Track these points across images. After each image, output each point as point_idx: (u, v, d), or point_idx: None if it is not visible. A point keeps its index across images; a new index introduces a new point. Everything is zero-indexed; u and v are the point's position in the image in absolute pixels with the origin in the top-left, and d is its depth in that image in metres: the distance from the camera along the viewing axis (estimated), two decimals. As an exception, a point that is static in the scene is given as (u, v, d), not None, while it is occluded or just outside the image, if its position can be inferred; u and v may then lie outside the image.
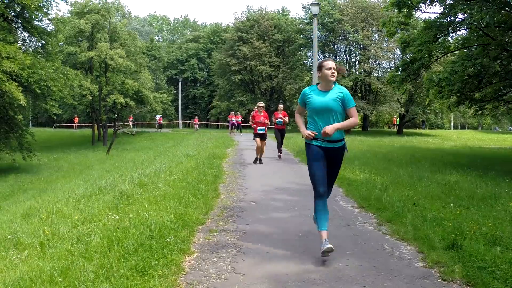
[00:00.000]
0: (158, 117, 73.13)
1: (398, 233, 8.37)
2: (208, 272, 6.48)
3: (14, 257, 7.57)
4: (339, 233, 8.62)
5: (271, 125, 23.69)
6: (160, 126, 73.41)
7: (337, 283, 6.14)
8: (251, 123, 21.50)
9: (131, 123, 71.65)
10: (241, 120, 56.42)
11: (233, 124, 52.78)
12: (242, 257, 7.14)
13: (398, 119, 76.01)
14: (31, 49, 35.09)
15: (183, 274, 6.36)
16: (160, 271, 6.23)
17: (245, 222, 9.38)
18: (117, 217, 9.08)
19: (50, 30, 35.03)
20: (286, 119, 22.81)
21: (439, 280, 6.22)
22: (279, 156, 23.00)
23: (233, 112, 55.89)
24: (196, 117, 75.50)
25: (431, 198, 11.22)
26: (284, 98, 71.62)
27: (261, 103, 21.69)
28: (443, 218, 9.01)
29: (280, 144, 23.23)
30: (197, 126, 70.15)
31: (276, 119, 22.66)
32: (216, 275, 6.36)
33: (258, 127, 20.85)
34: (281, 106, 23.48)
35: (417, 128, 79.42)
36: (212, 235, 8.32)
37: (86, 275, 6.00)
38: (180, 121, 79.41)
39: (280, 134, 23.11)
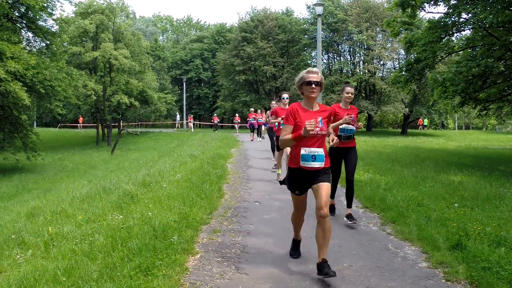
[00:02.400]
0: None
1: (402, 233, 8.36)
2: (211, 272, 6.49)
3: (18, 256, 7.59)
4: (343, 233, 8.62)
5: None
6: (216, 126, 66.23)
7: (340, 283, 6.14)
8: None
9: (191, 125, 69.78)
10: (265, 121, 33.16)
11: (251, 124, 37.60)
12: (246, 257, 7.17)
13: (426, 120, 76.44)
14: (35, 49, 35.12)
15: (186, 274, 6.37)
16: (164, 271, 6.24)
17: (249, 222, 9.40)
18: (121, 217, 9.10)
19: (54, 30, 35.07)
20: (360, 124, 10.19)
21: (443, 281, 6.22)
22: (332, 210, 10.24)
23: (252, 109, 39.99)
24: (237, 114, 56.24)
25: (436, 199, 11.19)
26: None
27: (285, 94, 12.98)
28: (447, 218, 8.99)
29: (348, 190, 9.88)
30: (237, 127, 53.47)
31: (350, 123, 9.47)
32: (220, 275, 6.38)
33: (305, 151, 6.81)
34: (348, 91, 9.76)
35: (420, 129, 79.24)
36: (216, 235, 8.34)
37: (90, 275, 6.00)
38: (185, 121, 79.36)
39: (347, 159, 9.84)
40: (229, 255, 7.23)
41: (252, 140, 35.78)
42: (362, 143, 35.25)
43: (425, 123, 79.16)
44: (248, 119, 39.09)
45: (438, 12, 31.30)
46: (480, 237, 7.61)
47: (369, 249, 7.60)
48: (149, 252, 6.78)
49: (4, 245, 8.38)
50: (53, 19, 34.71)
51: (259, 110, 40.67)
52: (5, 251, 7.96)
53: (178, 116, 78.32)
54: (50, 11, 33.27)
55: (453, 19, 22.88)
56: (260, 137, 37.13)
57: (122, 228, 8.07)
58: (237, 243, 7.92)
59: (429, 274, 6.47)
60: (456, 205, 10.32)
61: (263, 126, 36.67)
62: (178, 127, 78.33)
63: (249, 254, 7.31)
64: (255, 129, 37.70)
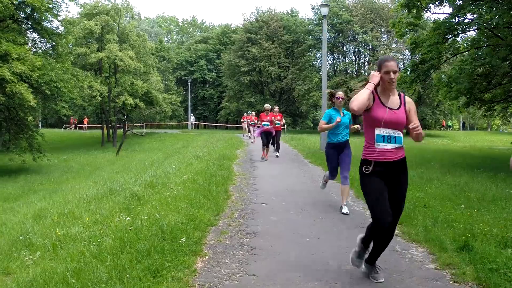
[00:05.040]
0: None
1: (409, 234, 8.38)
2: (220, 273, 6.52)
3: (27, 258, 7.61)
4: (351, 234, 8.62)
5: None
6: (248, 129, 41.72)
7: (349, 285, 6.16)
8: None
9: (252, 130, 60.85)
10: (284, 123, 26.65)
11: (265, 133, 22.76)
12: (254, 258, 7.20)
13: (450, 121, 77.20)
14: (41, 51, 35.06)
15: (195, 275, 6.40)
16: (173, 273, 6.27)
17: (256, 223, 9.44)
18: (128, 218, 9.12)
19: (59, 31, 34.98)
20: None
21: (450, 282, 6.24)
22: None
23: (268, 107, 24.03)
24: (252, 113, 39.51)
25: (442, 200, 11.21)
26: (294, 99, 71.61)
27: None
28: (454, 219, 9.01)
29: None
30: (253, 134, 35.56)
31: None
32: (229, 277, 6.41)
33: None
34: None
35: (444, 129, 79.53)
36: (223, 236, 8.38)
37: (99, 277, 6.03)
38: (190, 122, 79.40)
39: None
40: (237, 257, 7.26)
41: (266, 159, 22.30)
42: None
43: (449, 124, 79.85)
44: (261, 121, 23.45)
45: (443, 13, 31.35)
46: (487, 239, 7.63)
47: (376, 251, 7.61)
48: (158, 254, 6.82)
49: (12, 246, 8.40)
50: (59, 20, 34.71)
51: (276, 108, 24.74)
52: (13, 253, 7.98)
53: (192, 117, 78.78)
54: (56, 12, 33.26)
55: (458, 20, 22.87)
56: (277, 150, 24.35)
57: (130, 229, 8.10)
58: (245, 244, 7.95)
59: (436, 275, 6.48)
60: (462, 206, 10.33)
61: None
62: (192, 128, 78.67)
63: (257, 256, 7.33)
64: (271, 139, 23.33)
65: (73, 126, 77.43)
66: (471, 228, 8.21)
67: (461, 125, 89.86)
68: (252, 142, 34.16)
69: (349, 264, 6.73)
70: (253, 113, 37.49)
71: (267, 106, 23.67)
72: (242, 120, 37.64)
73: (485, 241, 7.49)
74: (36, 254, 7.74)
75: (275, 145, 24.14)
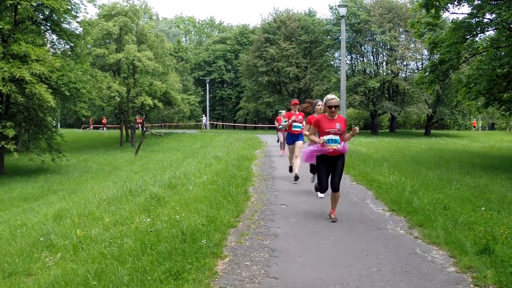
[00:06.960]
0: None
1: (430, 237, 8.34)
2: (241, 276, 6.53)
3: (48, 259, 7.63)
4: (371, 236, 8.61)
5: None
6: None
7: (370, 288, 6.16)
8: None
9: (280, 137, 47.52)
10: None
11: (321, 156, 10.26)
12: (275, 261, 7.19)
13: (479, 122, 77.77)
14: (59, 52, 35.18)
15: (216, 278, 6.41)
16: (194, 275, 6.29)
17: (277, 225, 9.42)
18: (148, 220, 9.15)
19: (78, 32, 35.07)
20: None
21: (471, 286, 6.22)
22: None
23: (332, 98, 10.26)
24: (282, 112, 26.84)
25: (462, 201, 11.13)
26: (312, 99, 71.29)
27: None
28: (474, 222, 8.95)
29: None
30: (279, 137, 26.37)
31: None
32: (250, 279, 6.42)
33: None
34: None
35: (449, 129, 79.34)
36: (244, 238, 8.38)
37: (121, 279, 6.06)
38: (208, 122, 79.45)
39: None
40: (258, 259, 7.28)
41: (334, 219, 10.00)
42: (386, 144, 35.12)
43: (479, 124, 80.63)
44: (320, 132, 10.17)
45: (462, 13, 30.99)
46: (508, 241, 7.59)
47: (397, 253, 7.61)
48: (179, 256, 6.84)
49: (33, 247, 8.42)
50: (77, 22, 34.80)
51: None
52: (34, 254, 7.99)
53: (204, 118, 78.96)
54: (74, 13, 33.36)
55: (477, 20, 22.77)
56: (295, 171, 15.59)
57: (150, 231, 8.13)
58: (265, 246, 7.97)
59: (457, 279, 6.46)
60: (482, 208, 10.26)
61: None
62: (203, 128, 78.85)
63: (278, 258, 7.33)
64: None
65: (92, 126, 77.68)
66: (492, 230, 8.16)
67: (480, 125, 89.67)
68: (281, 155, 24.41)
69: (371, 267, 6.75)
70: (283, 112, 25.88)
71: (332, 97, 10.49)
72: (276, 124, 26.12)
73: (506, 244, 7.46)
74: (57, 255, 7.77)
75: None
